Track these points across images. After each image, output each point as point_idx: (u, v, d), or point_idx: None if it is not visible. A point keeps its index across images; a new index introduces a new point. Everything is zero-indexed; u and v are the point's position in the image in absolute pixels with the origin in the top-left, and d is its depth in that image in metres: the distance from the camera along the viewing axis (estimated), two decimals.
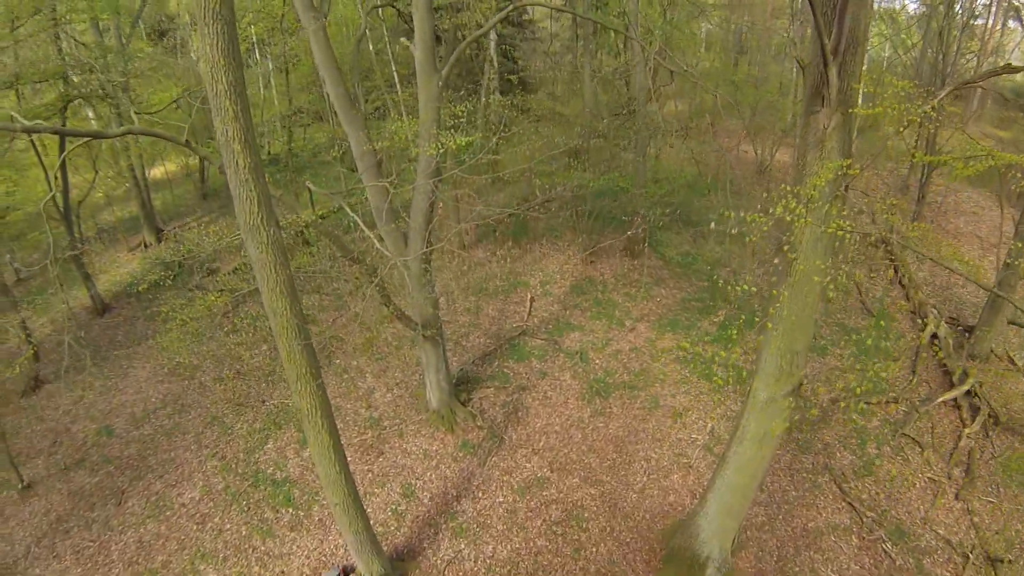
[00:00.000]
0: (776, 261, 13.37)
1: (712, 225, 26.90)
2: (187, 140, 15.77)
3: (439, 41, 30.46)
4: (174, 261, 33.03)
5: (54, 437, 23.99)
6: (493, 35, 37.32)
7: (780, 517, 18.60)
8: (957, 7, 33.05)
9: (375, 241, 15.14)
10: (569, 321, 26.98)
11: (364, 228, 15.07)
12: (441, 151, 16.82)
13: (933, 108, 10.99)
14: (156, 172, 45.01)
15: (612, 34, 41.46)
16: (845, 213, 11.69)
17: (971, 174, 10.71)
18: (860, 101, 12.50)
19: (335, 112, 38.71)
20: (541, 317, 27.48)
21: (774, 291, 13.21)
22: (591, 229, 30.37)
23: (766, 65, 49.79)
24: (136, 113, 28.52)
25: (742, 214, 11.92)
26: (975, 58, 39.65)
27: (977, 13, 37.28)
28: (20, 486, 21.66)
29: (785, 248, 12.53)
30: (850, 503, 18.85)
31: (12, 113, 21.95)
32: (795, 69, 45.01)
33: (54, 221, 31.56)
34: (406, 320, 19.48)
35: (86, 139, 13.94)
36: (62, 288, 22.71)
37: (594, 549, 18.08)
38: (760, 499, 18.96)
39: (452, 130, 18.09)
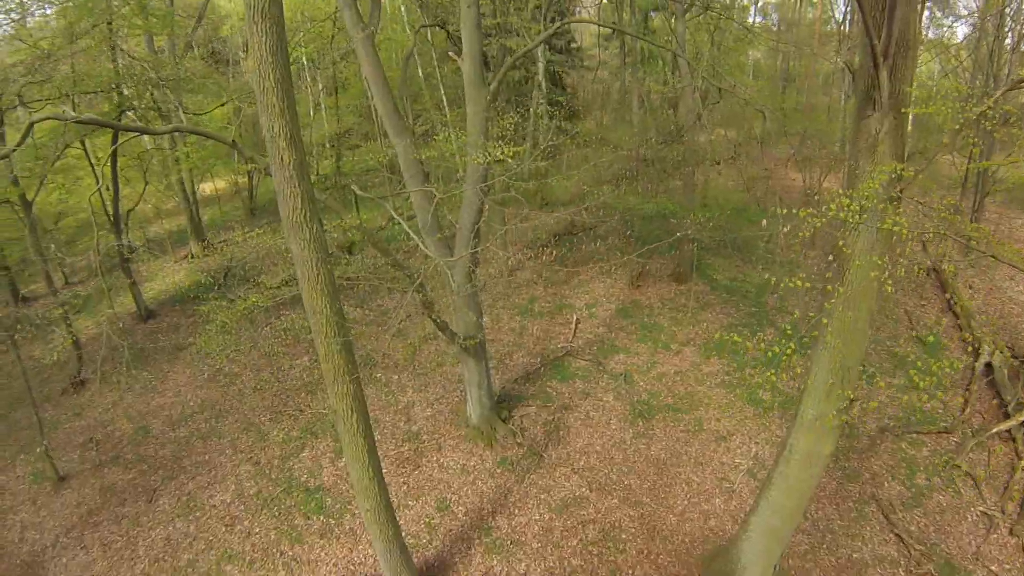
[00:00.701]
0: (828, 275, 12.89)
1: (764, 222, 26.05)
2: (233, 140, 15.71)
3: (487, 66, 30.45)
4: (220, 273, 33.93)
5: (91, 434, 23.99)
6: (541, 60, 37.36)
7: (824, 546, 17.78)
8: (1007, 28, 32.21)
9: (420, 244, 14.91)
10: (614, 343, 26.45)
11: (409, 230, 14.86)
12: (488, 159, 16.59)
13: (990, 108, 10.53)
14: (206, 188, 45.51)
15: (660, 62, 41.33)
16: (900, 218, 11.21)
17: None
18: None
19: (383, 132, 39.05)
20: (586, 339, 26.97)
21: (826, 304, 12.70)
22: (639, 259, 29.88)
23: (813, 93, 49.24)
24: (185, 113, 28.64)
25: (794, 210, 11.45)
26: None
27: None
28: (55, 478, 21.79)
29: (841, 245, 12.01)
30: (898, 534, 17.93)
31: (64, 108, 22.39)
32: (843, 98, 44.48)
33: (103, 231, 32.02)
34: (446, 331, 19.16)
35: (135, 135, 13.96)
36: (106, 284, 22.69)
37: (630, 572, 17.40)
38: (803, 526, 18.15)
39: (499, 140, 17.85)
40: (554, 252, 31.47)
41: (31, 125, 13.24)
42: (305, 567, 18.21)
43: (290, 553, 18.67)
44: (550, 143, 32.58)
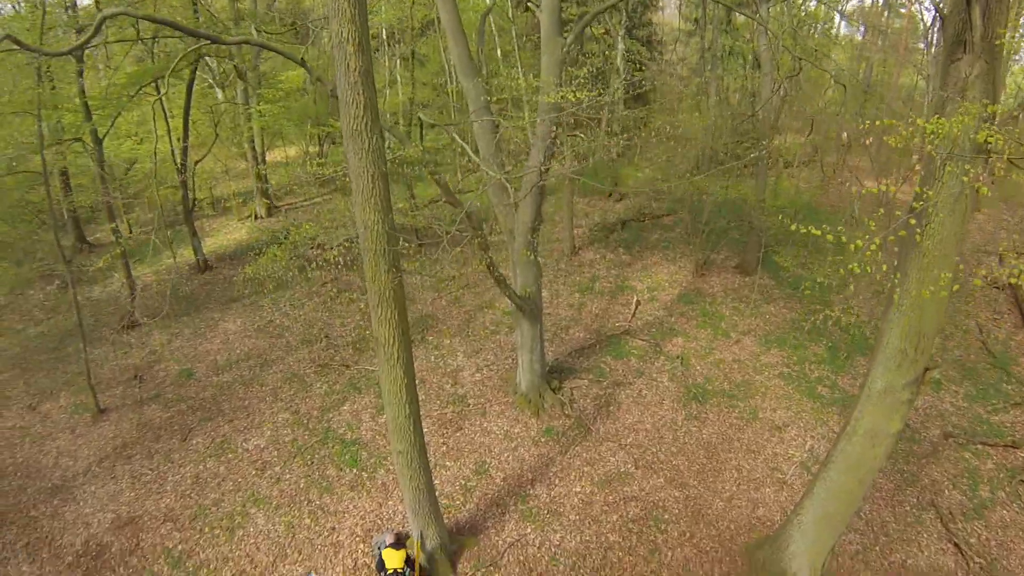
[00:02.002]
0: (903, 233, 11.41)
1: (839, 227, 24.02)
2: (302, 59, 14.89)
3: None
4: (282, 233, 33.41)
5: (136, 372, 23.51)
6: (621, 45, 36.21)
7: (877, 548, 16.17)
8: None
9: (485, 170, 13.90)
10: (673, 327, 25.05)
11: (472, 155, 13.83)
12: (560, 95, 15.50)
13: None
14: (275, 155, 45.28)
15: (741, 58, 39.81)
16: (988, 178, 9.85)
17: None
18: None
19: (458, 107, 38.30)
20: (645, 320, 25.61)
21: (896, 275, 11.23)
22: (705, 245, 28.52)
23: (894, 101, 46.77)
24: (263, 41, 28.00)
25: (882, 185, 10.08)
26: None
27: None
28: (95, 410, 21.36)
29: (924, 191, 10.57)
30: (957, 545, 16.25)
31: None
32: (925, 105, 42.03)
33: (171, 186, 31.91)
34: (504, 285, 18.07)
35: (205, 42, 13.34)
36: (159, 239, 22.39)
37: (670, 553, 16.05)
38: (855, 525, 16.60)
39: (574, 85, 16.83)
40: (620, 236, 30.61)
41: (102, 20, 12.46)
42: (332, 517, 17.22)
43: (317, 502, 17.72)
44: (624, 129, 31.57)
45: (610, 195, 36.79)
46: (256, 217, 37.02)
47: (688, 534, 16.57)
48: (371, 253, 11.73)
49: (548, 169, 17.83)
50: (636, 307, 25.81)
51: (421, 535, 15.17)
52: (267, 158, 40.55)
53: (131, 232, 35.58)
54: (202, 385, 22.79)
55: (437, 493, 15.87)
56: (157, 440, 20.21)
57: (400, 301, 12.37)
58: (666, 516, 17.06)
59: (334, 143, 46.95)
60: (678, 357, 23.26)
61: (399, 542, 14.63)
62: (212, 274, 30.66)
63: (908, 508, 17.36)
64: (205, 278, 30.31)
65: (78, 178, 33.81)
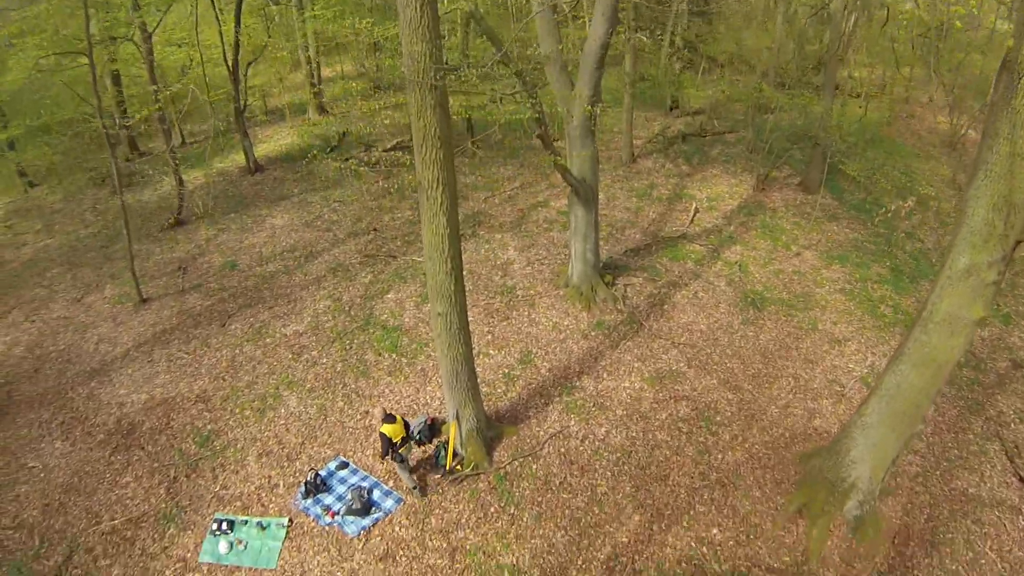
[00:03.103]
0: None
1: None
2: None
3: None
4: (336, 137, 32.48)
5: (180, 264, 22.88)
6: None
7: (937, 473, 14.83)
8: None
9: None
10: (732, 235, 23.48)
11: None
12: None
13: None
14: (329, 72, 44.11)
15: None
16: None
17: None
18: None
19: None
20: (703, 228, 24.04)
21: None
22: (767, 161, 26.55)
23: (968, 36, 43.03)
24: None
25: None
26: None
27: None
28: (137, 300, 20.92)
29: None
30: (1022, 479, 14.80)
31: None
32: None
33: (222, 91, 31.00)
34: (560, 164, 16.77)
35: None
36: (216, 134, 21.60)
37: (720, 456, 14.89)
38: (916, 447, 15.30)
39: None
40: (680, 148, 28.91)
41: None
42: (366, 400, 16.43)
43: (353, 385, 16.92)
44: (685, 44, 29.86)
45: (671, 109, 34.86)
46: (309, 123, 35.90)
47: (740, 438, 15.38)
48: (417, 87, 10.57)
49: (609, 43, 16.42)
50: (695, 214, 24.24)
51: (457, 415, 14.10)
52: (322, 74, 39.28)
53: (183, 141, 35.08)
54: (245, 275, 22.03)
55: (479, 380, 14.94)
56: (196, 326, 19.61)
57: (447, 140, 11.19)
58: (718, 418, 15.86)
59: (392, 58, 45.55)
60: (736, 263, 21.77)
61: (390, 416, 13.60)
62: (263, 175, 29.66)
63: (972, 437, 15.96)
64: (255, 179, 29.33)
65: (131, 88, 33.01)
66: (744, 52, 33.19)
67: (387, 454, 13.33)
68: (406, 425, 13.92)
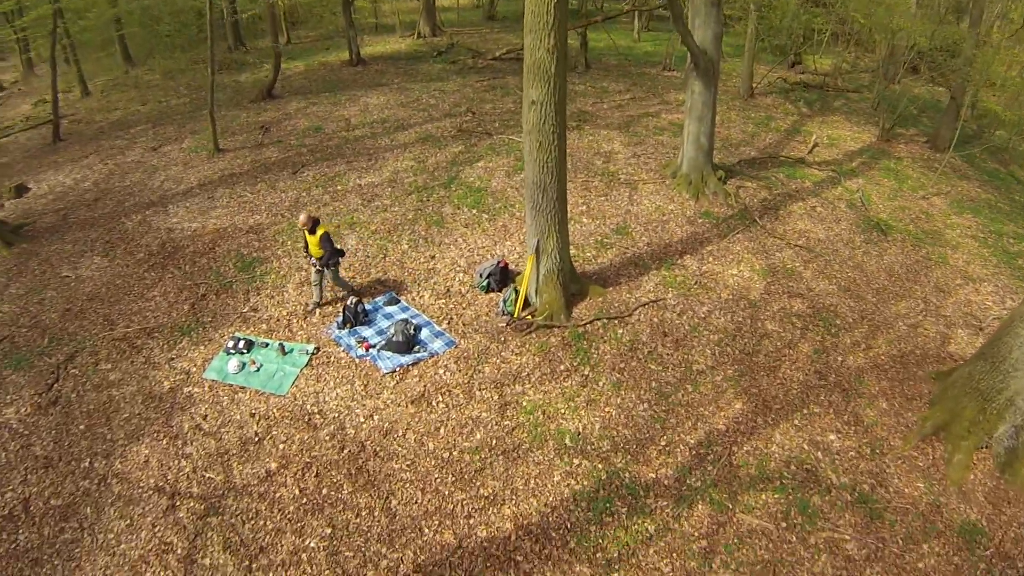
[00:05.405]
0: None
1: None
2: None
3: None
4: (444, 46, 30.85)
5: (264, 125, 21.43)
6: None
7: None
8: None
9: None
10: (853, 170, 20.15)
11: None
12: None
13: None
14: (444, 2, 42.69)
15: None
16: None
17: None
18: None
19: None
20: (822, 159, 20.79)
21: None
22: (892, 120, 23.17)
23: None
24: None
25: None
26: None
27: None
28: (212, 150, 19.73)
29: None
30: None
31: None
32: None
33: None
34: (683, 30, 14.56)
35: None
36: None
37: (840, 358, 12.00)
38: None
39: None
40: (800, 94, 26.13)
41: None
42: (434, 247, 14.36)
43: (422, 232, 14.83)
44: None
45: (793, 66, 31.75)
46: (419, 35, 34.25)
47: (863, 345, 12.38)
48: None
49: None
50: (814, 146, 21.18)
51: (537, 247, 11.74)
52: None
53: (289, 40, 34.12)
54: (328, 137, 20.34)
55: (568, 245, 12.53)
56: (266, 172, 18.04)
57: None
58: (837, 322, 12.93)
59: None
60: (857, 191, 18.52)
61: (315, 220, 11.87)
62: (364, 68, 28.12)
63: None
64: (356, 70, 27.83)
65: None
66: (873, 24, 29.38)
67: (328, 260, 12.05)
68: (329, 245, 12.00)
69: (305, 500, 9.00)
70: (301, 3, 36.44)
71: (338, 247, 12.34)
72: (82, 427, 10.25)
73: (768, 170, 19.01)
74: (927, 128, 24.27)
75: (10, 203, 17.39)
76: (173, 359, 11.47)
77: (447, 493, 9.06)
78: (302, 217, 11.63)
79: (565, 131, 10.99)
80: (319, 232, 11.65)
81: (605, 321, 12.18)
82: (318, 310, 12.49)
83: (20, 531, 8.73)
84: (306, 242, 12.00)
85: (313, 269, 12.14)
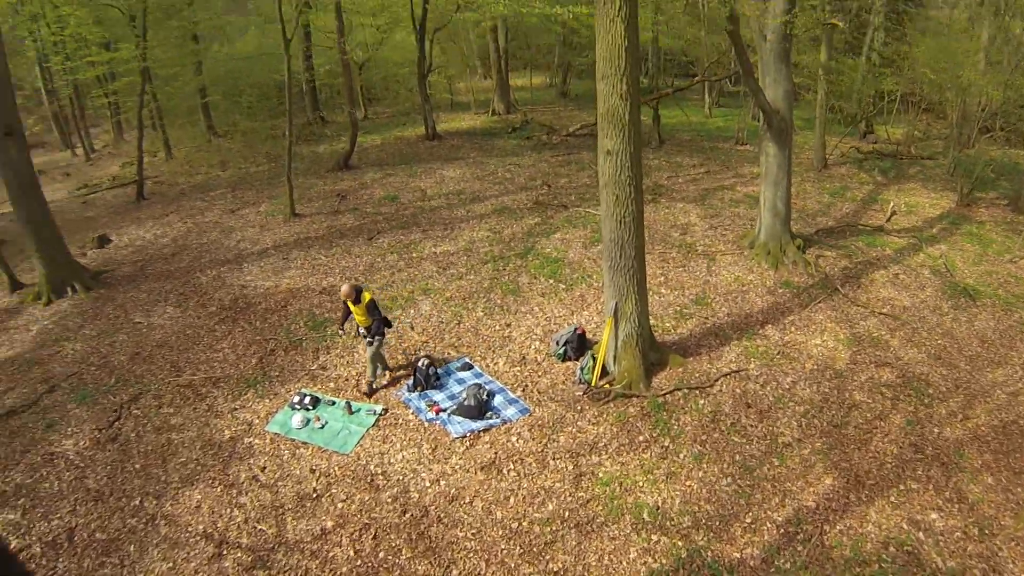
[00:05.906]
0: None
1: None
2: None
3: None
4: (519, 123, 31.22)
5: (340, 193, 21.81)
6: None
7: None
8: None
9: None
10: (934, 236, 19.52)
11: None
12: None
13: None
14: (517, 81, 43.41)
15: None
16: None
17: None
18: None
19: None
20: (902, 226, 20.16)
21: None
22: (970, 184, 22.45)
23: None
24: None
25: None
26: None
27: None
28: (288, 214, 20.10)
29: None
30: None
31: None
32: None
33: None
34: (760, 99, 14.25)
35: None
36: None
37: (935, 429, 11.16)
38: None
39: None
40: (874, 162, 25.66)
41: None
42: (509, 315, 14.04)
43: (498, 300, 14.54)
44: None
45: (864, 136, 31.33)
46: (494, 112, 34.78)
47: (960, 416, 11.53)
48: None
49: None
50: (892, 214, 20.57)
51: (616, 309, 11.28)
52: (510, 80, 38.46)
53: (366, 116, 34.95)
54: (404, 206, 20.52)
55: (648, 316, 12.11)
56: (342, 238, 18.24)
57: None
58: (930, 391, 12.11)
59: (578, 78, 44.72)
60: (940, 257, 17.77)
61: (357, 288, 11.25)
62: (440, 142, 28.59)
63: None
64: (432, 144, 28.31)
65: (319, 58, 33.33)
66: (940, 88, 28.44)
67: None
68: (378, 313, 11.39)
69: (360, 562, 8.47)
70: (378, 79, 37.50)
71: (385, 316, 11.75)
72: (137, 466, 10.12)
73: (847, 239, 18.57)
74: (1007, 191, 23.75)
75: (92, 252, 18.13)
76: (236, 409, 11.27)
77: (513, 566, 8.44)
78: (345, 288, 11.06)
79: (642, 183, 10.64)
80: (364, 299, 11.10)
81: (686, 391, 11.59)
82: (388, 373, 12.10)
83: (60, 559, 8.50)
84: (347, 313, 11.54)
85: (364, 342, 11.54)
